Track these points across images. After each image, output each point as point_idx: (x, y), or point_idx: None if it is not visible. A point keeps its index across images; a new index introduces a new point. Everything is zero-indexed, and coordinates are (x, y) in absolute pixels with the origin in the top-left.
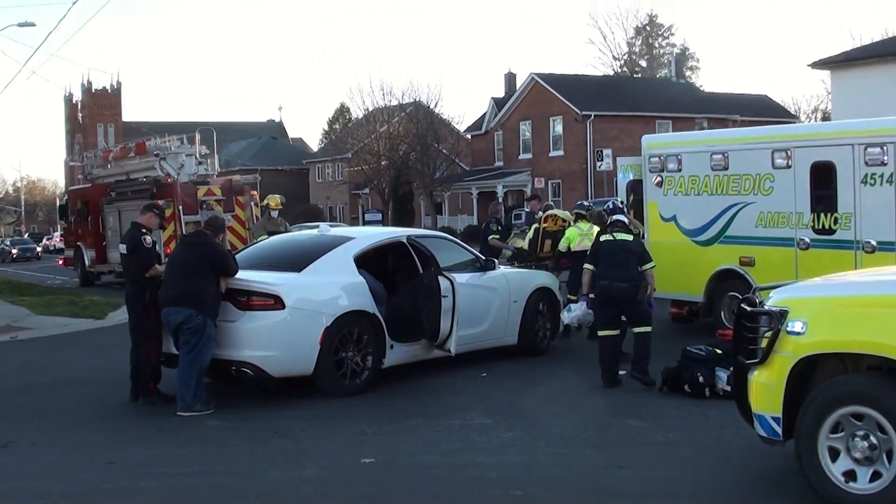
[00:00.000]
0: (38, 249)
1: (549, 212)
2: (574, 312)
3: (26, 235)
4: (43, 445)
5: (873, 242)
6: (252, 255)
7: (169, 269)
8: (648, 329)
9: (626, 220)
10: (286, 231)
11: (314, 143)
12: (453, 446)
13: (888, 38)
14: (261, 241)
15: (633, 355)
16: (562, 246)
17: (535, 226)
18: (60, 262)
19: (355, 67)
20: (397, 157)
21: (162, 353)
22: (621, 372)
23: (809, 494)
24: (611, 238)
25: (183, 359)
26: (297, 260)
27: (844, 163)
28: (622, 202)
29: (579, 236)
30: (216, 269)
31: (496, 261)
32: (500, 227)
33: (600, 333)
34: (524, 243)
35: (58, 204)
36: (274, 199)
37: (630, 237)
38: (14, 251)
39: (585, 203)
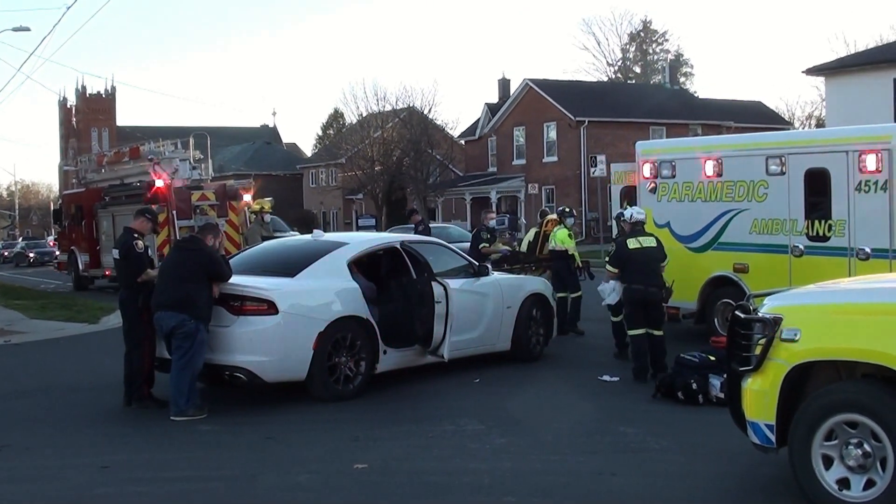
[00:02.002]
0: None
1: (549, 216)
2: (613, 292)
3: (20, 240)
4: (36, 449)
5: (867, 249)
6: (246, 259)
7: (162, 274)
8: (663, 332)
9: (644, 218)
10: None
11: (308, 148)
12: (446, 452)
13: (882, 44)
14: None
15: (653, 356)
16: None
17: (534, 229)
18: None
19: (349, 72)
20: (391, 162)
21: (155, 357)
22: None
23: (803, 502)
24: (639, 246)
25: (176, 363)
26: (290, 265)
27: (839, 169)
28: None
29: (551, 238)
30: (209, 274)
31: (490, 266)
32: (489, 235)
33: (634, 333)
34: (522, 246)
35: (52, 208)
36: (267, 203)
37: (653, 242)
38: (31, 255)
39: (565, 208)
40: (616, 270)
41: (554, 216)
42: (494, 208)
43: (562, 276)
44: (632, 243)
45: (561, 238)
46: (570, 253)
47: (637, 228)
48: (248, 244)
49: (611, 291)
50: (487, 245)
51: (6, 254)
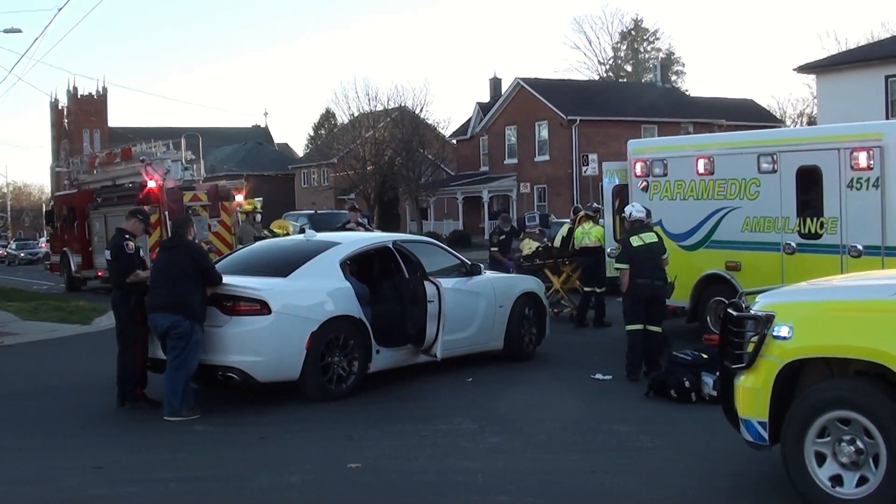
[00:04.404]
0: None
1: (582, 212)
2: None
3: (13, 241)
4: (30, 450)
5: (860, 247)
6: (238, 260)
7: (154, 275)
8: (661, 329)
9: (645, 217)
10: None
11: (300, 148)
12: (439, 451)
13: (873, 42)
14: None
15: (647, 353)
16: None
17: (567, 225)
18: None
19: (341, 72)
20: (383, 162)
21: (147, 358)
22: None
23: (796, 499)
24: (642, 243)
25: (170, 364)
26: (283, 265)
27: (830, 167)
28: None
29: (581, 234)
30: (199, 269)
31: (482, 266)
32: (503, 237)
33: (632, 328)
34: (555, 241)
35: (44, 209)
36: (257, 203)
37: (654, 237)
38: None
39: (595, 205)
40: (626, 267)
41: (585, 212)
42: (487, 208)
43: (590, 271)
44: (635, 241)
45: (597, 235)
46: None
47: (637, 226)
48: (241, 244)
49: None
50: (496, 250)
51: (22, 255)
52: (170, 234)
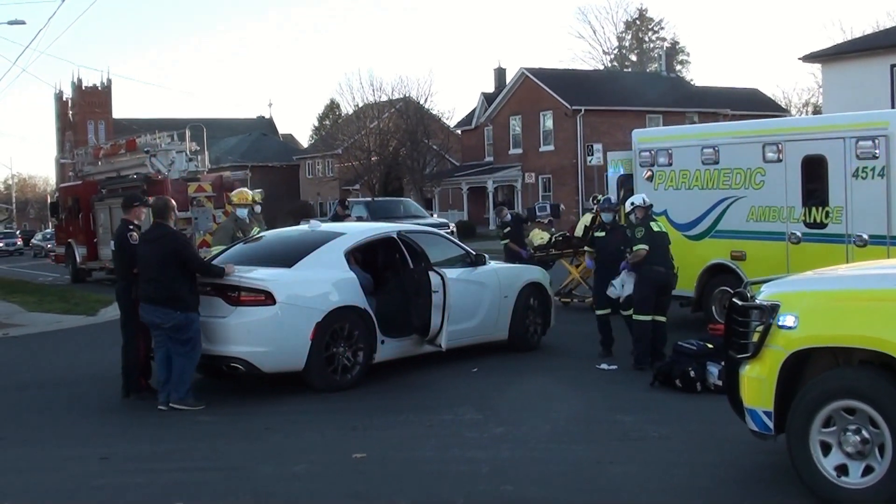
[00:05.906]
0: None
1: None
2: (627, 283)
3: (17, 233)
4: (35, 441)
5: (865, 236)
6: (243, 251)
7: (140, 267)
8: (665, 319)
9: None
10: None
11: (304, 139)
12: (444, 441)
13: (879, 30)
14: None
15: (652, 343)
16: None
17: (589, 214)
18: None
19: (345, 63)
20: (387, 152)
21: (151, 348)
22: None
23: (801, 489)
24: (659, 229)
25: (178, 352)
26: (287, 256)
27: (836, 156)
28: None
29: None
30: (183, 260)
31: (486, 256)
32: (505, 232)
33: (642, 318)
34: (577, 230)
35: (49, 201)
36: (246, 195)
37: (663, 227)
38: None
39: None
40: (647, 247)
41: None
42: (492, 198)
43: None
44: (654, 226)
45: None
46: None
47: (649, 213)
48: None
49: (622, 284)
50: (508, 241)
51: (49, 246)
52: (151, 223)
